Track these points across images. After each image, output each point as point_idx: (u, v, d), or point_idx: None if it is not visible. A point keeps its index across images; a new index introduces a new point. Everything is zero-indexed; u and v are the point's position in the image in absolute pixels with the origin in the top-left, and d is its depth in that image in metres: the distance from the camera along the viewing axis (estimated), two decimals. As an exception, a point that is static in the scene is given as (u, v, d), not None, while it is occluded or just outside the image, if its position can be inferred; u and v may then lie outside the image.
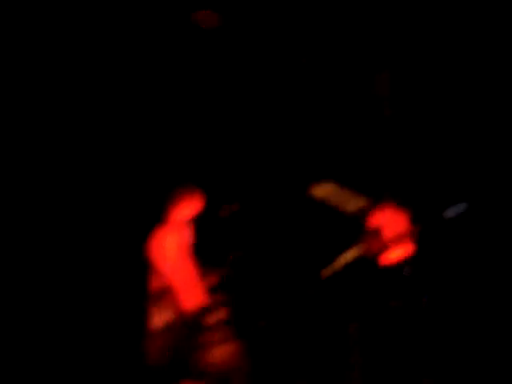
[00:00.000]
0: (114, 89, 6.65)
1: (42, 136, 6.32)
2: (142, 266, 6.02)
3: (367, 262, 6.54)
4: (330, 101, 7.99)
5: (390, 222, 6.55)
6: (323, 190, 8.38)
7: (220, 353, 6.05)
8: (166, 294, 5.25)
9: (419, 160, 7.88)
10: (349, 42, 7.64)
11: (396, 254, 6.44)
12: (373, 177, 8.06)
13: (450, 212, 7.62)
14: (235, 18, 7.20)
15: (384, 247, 6.42)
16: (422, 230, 7.01)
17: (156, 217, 5.40)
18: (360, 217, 7.73)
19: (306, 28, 7.46)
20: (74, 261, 6.24)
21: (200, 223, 5.58)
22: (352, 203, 8.31)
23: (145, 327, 6.08)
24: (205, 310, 5.36)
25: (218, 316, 6.27)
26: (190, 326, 5.27)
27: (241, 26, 7.26)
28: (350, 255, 7.92)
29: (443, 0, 7.38)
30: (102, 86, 6.59)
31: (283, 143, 7.89)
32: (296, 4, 7.25)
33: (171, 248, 5.23)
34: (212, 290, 5.57)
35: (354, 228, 7.14)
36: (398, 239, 6.45)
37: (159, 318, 5.75)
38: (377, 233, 6.54)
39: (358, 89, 8.06)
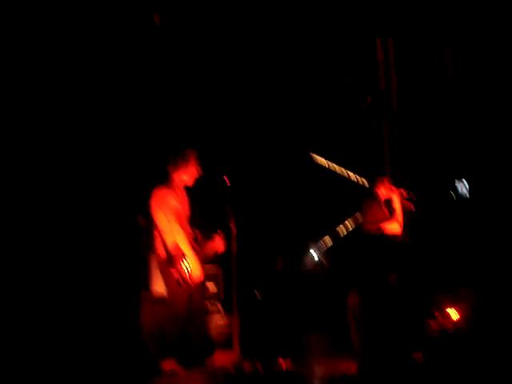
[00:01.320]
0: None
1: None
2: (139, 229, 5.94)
3: (365, 234, 6.52)
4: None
5: (390, 195, 6.54)
6: (325, 160, 8.33)
7: (212, 324, 5.97)
8: (164, 260, 5.11)
9: (421, 140, 7.85)
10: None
11: (394, 226, 6.45)
12: (370, 152, 8.03)
13: (460, 190, 7.63)
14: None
15: (381, 220, 6.43)
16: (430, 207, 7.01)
17: (157, 178, 5.28)
18: (362, 187, 7.69)
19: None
20: (75, 223, 6.14)
21: (199, 190, 5.48)
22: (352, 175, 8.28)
23: (142, 295, 6.02)
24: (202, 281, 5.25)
25: (213, 288, 6.21)
26: (187, 296, 5.14)
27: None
28: (350, 224, 7.91)
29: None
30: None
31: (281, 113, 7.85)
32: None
33: (169, 211, 5.08)
34: (209, 261, 5.47)
35: (356, 197, 7.10)
36: (398, 213, 6.48)
37: (158, 286, 5.64)
38: (377, 204, 6.53)
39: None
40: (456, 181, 7.55)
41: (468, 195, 7.41)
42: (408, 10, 7.51)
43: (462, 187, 7.47)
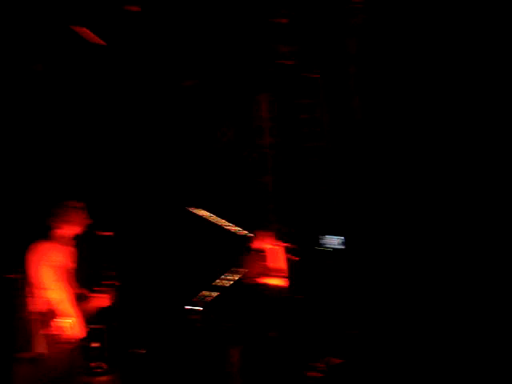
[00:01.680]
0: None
1: None
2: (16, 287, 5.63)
3: (246, 287, 6.57)
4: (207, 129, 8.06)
5: (269, 249, 6.63)
6: (202, 213, 8.36)
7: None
8: (42, 318, 4.87)
9: (299, 191, 8.09)
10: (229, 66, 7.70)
11: (273, 281, 6.53)
12: (253, 206, 8.16)
13: (327, 243, 7.92)
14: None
15: (262, 273, 6.50)
16: (300, 260, 7.20)
17: (37, 233, 5.06)
18: (240, 242, 7.77)
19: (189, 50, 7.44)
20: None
21: (82, 242, 5.30)
22: (231, 229, 8.37)
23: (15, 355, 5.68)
24: (84, 338, 5.05)
25: (96, 344, 6.01)
26: (66, 354, 4.92)
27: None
28: (229, 278, 7.93)
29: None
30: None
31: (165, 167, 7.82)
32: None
33: (51, 266, 4.87)
34: (92, 316, 5.27)
35: (234, 251, 7.16)
36: (276, 267, 6.58)
37: (33, 345, 5.36)
38: (256, 259, 6.60)
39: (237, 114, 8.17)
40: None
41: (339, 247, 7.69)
42: (289, 68, 7.78)
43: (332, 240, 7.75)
